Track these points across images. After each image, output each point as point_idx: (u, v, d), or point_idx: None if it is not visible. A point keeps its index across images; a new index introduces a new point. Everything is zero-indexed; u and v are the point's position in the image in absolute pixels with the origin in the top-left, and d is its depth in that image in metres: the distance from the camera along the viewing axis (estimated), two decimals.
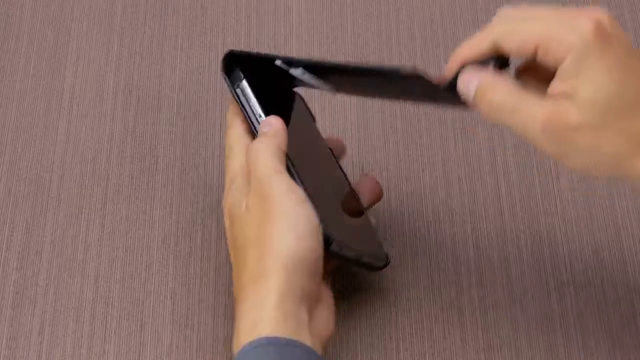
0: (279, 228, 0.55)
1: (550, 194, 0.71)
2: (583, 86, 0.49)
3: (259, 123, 0.61)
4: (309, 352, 0.54)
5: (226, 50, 0.63)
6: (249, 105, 0.61)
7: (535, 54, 0.51)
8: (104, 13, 0.80)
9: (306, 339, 0.54)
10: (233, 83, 0.62)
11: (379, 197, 0.65)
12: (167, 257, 0.68)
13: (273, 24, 0.79)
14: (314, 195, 0.58)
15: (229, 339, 0.65)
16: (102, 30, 0.79)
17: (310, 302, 0.56)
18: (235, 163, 0.60)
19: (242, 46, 0.78)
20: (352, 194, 0.65)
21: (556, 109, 0.50)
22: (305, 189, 0.58)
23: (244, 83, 0.62)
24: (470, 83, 0.52)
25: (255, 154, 0.58)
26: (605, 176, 0.53)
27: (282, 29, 0.78)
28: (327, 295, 0.59)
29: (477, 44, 0.52)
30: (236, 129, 0.61)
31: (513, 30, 0.52)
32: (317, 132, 0.66)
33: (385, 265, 0.63)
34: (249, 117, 0.61)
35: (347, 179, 0.65)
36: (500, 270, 0.67)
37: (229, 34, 0.78)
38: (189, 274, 0.68)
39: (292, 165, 0.59)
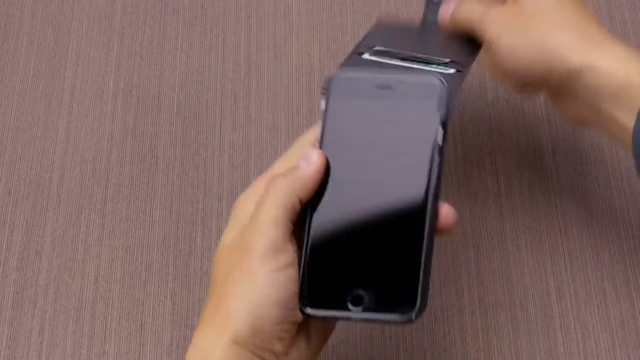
0: (240, 288, 0.50)
1: (550, 194, 0.71)
2: None
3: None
4: None
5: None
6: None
7: None
8: (104, 13, 0.80)
9: None
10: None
11: (451, 226, 0.53)
12: (167, 257, 0.68)
13: (273, 24, 0.79)
14: (336, 246, 0.52)
15: None
16: (102, 30, 0.79)
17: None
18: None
19: (242, 46, 0.78)
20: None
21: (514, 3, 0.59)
22: (311, 243, 0.52)
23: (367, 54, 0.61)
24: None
25: (266, 191, 0.52)
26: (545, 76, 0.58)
27: (282, 29, 0.78)
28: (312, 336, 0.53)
29: None
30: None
31: None
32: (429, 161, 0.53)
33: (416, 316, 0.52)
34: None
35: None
36: (500, 270, 0.67)
37: (229, 34, 0.78)
38: (189, 274, 0.68)
39: (309, 216, 0.52)
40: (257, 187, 0.54)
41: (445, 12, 0.63)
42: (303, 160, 0.52)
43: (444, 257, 0.68)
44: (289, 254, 0.51)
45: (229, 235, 0.53)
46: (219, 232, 0.69)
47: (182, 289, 0.67)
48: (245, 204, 0.53)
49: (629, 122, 0.55)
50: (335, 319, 0.53)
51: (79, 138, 0.74)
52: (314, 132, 0.55)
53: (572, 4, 0.59)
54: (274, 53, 0.77)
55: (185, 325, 0.66)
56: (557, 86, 0.58)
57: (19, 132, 0.74)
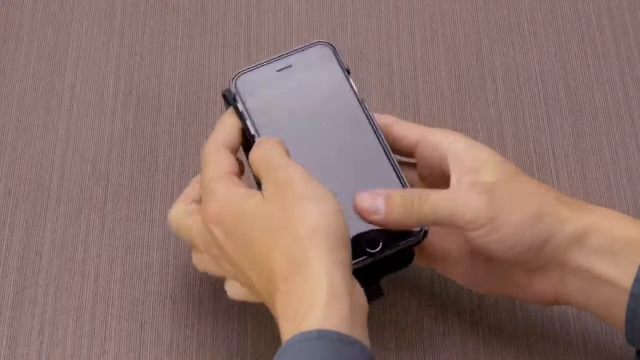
0: (307, 212, 0.52)
1: None
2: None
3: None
4: (362, 351, 0.50)
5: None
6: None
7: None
8: (104, 13, 0.80)
9: (358, 323, 0.51)
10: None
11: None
12: (167, 257, 0.68)
13: (273, 24, 0.79)
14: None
15: (229, 338, 0.65)
16: (102, 30, 0.79)
17: (353, 277, 0.53)
18: (209, 169, 0.58)
19: (242, 46, 0.78)
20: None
21: (468, 179, 0.58)
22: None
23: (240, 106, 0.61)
24: (374, 205, 0.57)
25: (262, 155, 0.56)
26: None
27: (282, 29, 0.78)
28: None
29: None
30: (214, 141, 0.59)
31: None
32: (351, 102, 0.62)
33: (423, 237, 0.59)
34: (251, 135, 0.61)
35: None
36: None
37: (229, 34, 0.78)
38: (189, 274, 0.68)
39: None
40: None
41: (373, 210, 0.57)
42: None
43: None
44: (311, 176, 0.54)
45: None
46: None
47: (182, 289, 0.67)
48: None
49: (628, 283, 0.54)
50: (365, 266, 0.57)
51: (79, 138, 0.74)
52: (221, 134, 0.59)
53: (528, 177, 0.59)
54: (274, 53, 0.77)
55: (185, 326, 0.66)
56: (547, 259, 0.56)
57: (19, 132, 0.74)
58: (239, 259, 0.55)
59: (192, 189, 0.62)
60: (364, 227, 0.57)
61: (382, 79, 0.76)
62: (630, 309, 0.55)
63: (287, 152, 0.56)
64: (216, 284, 0.67)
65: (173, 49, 0.78)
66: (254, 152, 0.57)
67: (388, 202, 0.56)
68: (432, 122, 0.74)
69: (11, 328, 0.66)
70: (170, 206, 0.62)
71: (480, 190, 0.56)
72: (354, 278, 0.53)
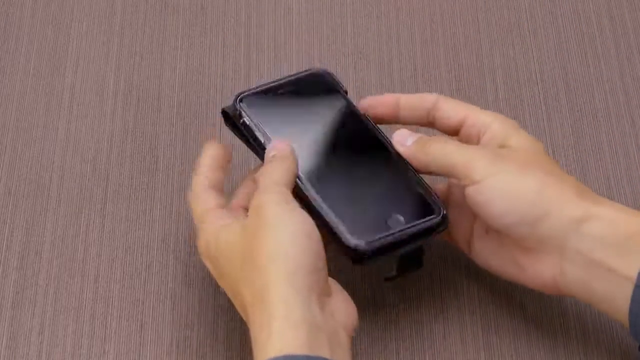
0: (269, 237, 0.54)
1: None
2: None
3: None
4: None
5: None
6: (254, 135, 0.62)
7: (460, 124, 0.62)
8: (104, 13, 0.80)
9: (323, 347, 0.51)
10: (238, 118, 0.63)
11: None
12: (167, 257, 0.68)
13: (273, 24, 0.79)
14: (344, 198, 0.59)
15: (229, 338, 0.65)
16: (102, 30, 0.79)
17: (322, 299, 0.54)
18: (196, 207, 0.61)
19: (242, 46, 0.78)
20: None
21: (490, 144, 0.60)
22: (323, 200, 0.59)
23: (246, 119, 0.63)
24: (405, 138, 0.62)
25: (260, 178, 0.58)
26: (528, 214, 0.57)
27: (282, 29, 0.78)
28: (335, 286, 0.57)
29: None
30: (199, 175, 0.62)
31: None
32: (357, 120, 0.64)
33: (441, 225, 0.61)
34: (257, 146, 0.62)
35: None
36: None
37: (229, 34, 0.78)
38: (189, 274, 0.68)
39: (307, 180, 0.60)
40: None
41: (403, 140, 0.62)
42: (272, 150, 0.60)
43: (444, 257, 0.68)
44: (293, 201, 0.56)
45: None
46: None
47: (182, 289, 0.67)
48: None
49: (632, 273, 0.54)
50: (391, 243, 0.59)
51: (79, 138, 0.74)
52: (202, 177, 0.61)
53: (555, 162, 0.61)
54: (274, 53, 0.77)
55: (185, 326, 0.65)
56: (544, 238, 0.56)
57: (19, 132, 0.74)
58: (224, 286, 0.59)
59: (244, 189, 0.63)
60: (386, 206, 0.60)
61: (382, 79, 0.76)
62: (635, 301, 0.54)
63: (293, 168, 0.59)
64: (216, 284, 0.67)
65: (173, 49, 0.78)
66: (259, 171, 0.59)
67: (418, 138, 0.61)
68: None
69: (11, 328, 0.66)
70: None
71: (492, 150, 0.58)
72: (337, 301, 0.55)
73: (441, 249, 0.68)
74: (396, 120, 0.64)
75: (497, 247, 0.61)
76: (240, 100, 0.63)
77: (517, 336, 0.65)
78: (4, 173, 0.72)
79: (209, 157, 0.62)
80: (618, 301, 0.55)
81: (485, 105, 0.74)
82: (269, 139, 0.61)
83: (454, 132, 0.63)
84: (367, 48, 0.77)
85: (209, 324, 0.66)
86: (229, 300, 0.66)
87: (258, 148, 0.62)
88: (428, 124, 0.64)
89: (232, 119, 0.64)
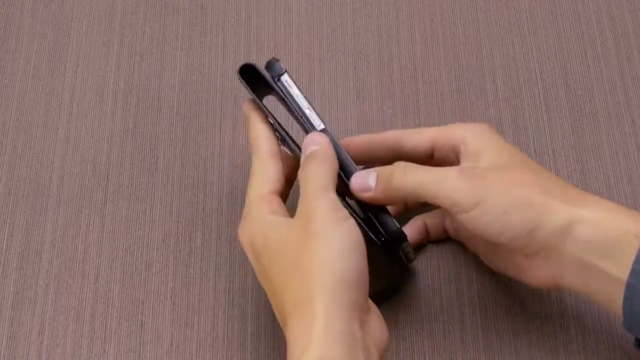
0: (317, 248, 0.53)
1: None
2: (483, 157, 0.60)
3: (307, 120, 0.61)
4: None
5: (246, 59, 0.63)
6: (293, 100, 0.61)
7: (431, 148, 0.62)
8: (104, 13, 0.80)
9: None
10: (273, 77, 0.62)
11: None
12: (167, 257, 0.68)
13: (273, 24, 0.79)
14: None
15: (228, 338, 0.65)
16: (102, 30, 0.79)
17: (362, 316, 0.53)
18: (250, 189, 0.59)
19: (242, 46, 0.78)
20: None
21: (467, 164, 0.59)
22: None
23: (286, 76, 0.62)
24: (365, 181, 0.60)
25: (306, 178, 0.57)
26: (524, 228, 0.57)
27: (282, 29, 0.78)
28: (372, 305, 0.56)
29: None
30: (261, 147, 0.60)
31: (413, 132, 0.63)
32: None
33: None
34: (296, 111, 0.61)
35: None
36: None
37: (229, 34, 0.78)
38: (189, 274, 0.68)
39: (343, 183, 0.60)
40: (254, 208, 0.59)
41: (364, 185, 0.60)
42: (313, 144, 0.58)
43: (444, 257, 0.68)
44: (343, 209, 0.55)
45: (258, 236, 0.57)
46: (219, 232, 0.69)
47: (182, 289, 0.67)
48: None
49: (623, 275, 0.54)
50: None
51: (79, 138, 0.74)
52: (265, 141, 0.60)
53: (532, 162, 0.60)
54: (274, 53, 0.77)
55: (185, 325, 0.66)
56: (540, 246, 0.57)
57: (19, 132, 0.74)
58: (263, 282, 0.57)
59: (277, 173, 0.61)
60: None
61: (382, 79, 0.76)
62: (626, 298, 0.54)
63: (336, 167, 0.58)
64: (216, 284, 0.67)
65: (173, 49, 0.78)
66: (304, 169, 0.57)
67: (379, 177, 0.59)
68: (432, 122, 0.74)
69: (11, 328, 0.66)
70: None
71: (470, 175, 0.57)
72: (373, 319, 0.55)
73: (442, 249, 0.68)
74: (370, 160, 0.64)
75: (499, 252, 0.61)
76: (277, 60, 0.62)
77: (517, 336, 0.65)
78: (4, 173, 0.72)
79: (265, 127, 0.61)
80: (614, 297, 0.55)
81: (485, 105, 0.74)
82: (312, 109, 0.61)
83: (427, 158, 0.62)
84: (367, 48, 0.77)
85: (209, 324, 0.66)
86: (228, 300, 0.66)
87: (299, 116, 0.61)
88: (400, 158, 0.62)
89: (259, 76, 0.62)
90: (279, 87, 0.62)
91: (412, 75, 0.76)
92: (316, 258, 0.53)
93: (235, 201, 0.70)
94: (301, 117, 0.61)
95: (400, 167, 0.59)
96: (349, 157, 0.61)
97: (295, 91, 0.62)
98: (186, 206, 0.70)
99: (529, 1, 0.80)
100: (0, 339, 0.65)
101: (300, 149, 0.59)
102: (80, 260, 0.68)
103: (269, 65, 0.62)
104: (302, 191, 0.56)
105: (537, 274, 0.58)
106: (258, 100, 0.61)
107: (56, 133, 0.74)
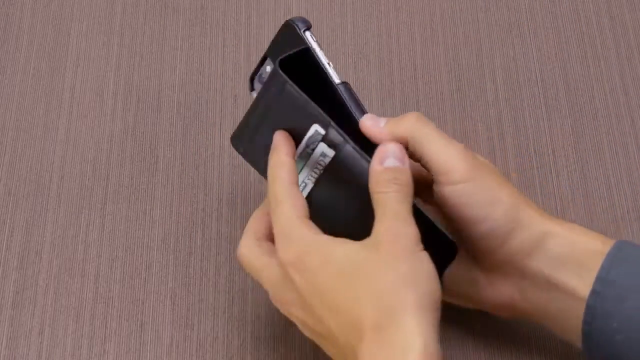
0: (409, 268, 0.51)
1: (550, 194, 0.71)
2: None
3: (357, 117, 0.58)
4: None
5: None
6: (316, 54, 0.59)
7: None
8: (104, 13, 0.80)
9: None
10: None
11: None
12: (167, 257, 0.68)
13: (273, 24, 0.79)
14: None
15: (228, 338, 0.65)
16: (102, 30, 0.79)
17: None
18: (283, 213, 0.54)
19: (242, 46, 0.78)
20: None
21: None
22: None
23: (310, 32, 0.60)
24: (377, 118, 0.58)
25: (391, 199, 0.53)
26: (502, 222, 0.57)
27: None
28: None
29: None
30: (282, 174, 0.56)
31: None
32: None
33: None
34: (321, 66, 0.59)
35: None
36: None
37: (229, 34, 0.78)
38: (189, 274, 0.68)
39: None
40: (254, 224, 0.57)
41: (374, 119, 0.58)
42: (393, 160, 0.54)
43: None
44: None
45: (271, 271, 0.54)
46: (219, 232, 0.69)
47: (182, 289, 0.67)
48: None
49: (584, 292, 0.54)
50: None
51: (79, 138, 0.74)
52: (285, 171, 0.56)
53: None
54: None
55: (185, 326, 0.66)
56: (509, 255, 0.56)
57: (19, 132, 0.74)
58: (317, 305, 0.52)
59: (258, 223, 0.58)
60: None
61: (382, 79, 0.76)
62: (586, 322, 0.54)
63: (412, 198, 0.54)
64: (216, 284, 0.67)
65: (173, 49, 0.78)
66: (382, 184, 0.54)
67: (390, 119, 0.58)
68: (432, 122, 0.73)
69: (11, 328, 0.66)
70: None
71: (471, 155, 0.57)
72: None
73: None
74: None
75: (458, 265, 0.59)
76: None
77: (518, 337, 0.64)
78: (4, 173, 0.72)
79: (289, 158, 0.56)
80: (572, 321, 0.55)
81: (485, 105, 0.74)
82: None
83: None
84: (367, 48, 0.77)
85: (209, 324, 0.66)
86: (228, 300, 0.66)
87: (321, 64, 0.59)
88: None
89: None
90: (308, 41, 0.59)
91: (412, 76, 0.76)
92: (408, 276, 0.50)
93: (235, 201, 0.70)
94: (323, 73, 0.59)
95: (414, 114, 0.58)
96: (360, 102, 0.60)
97: (316, 46, 0.60)
98: (186, 206, 0.70)
99: (529, 1, 0.80)
100: (0, 339, 0.65)
101: (359, 154, 0.56)
102: (80, 260, 0.68)
103: (295, 21, 0.60)
104: (382, 210, 0.53)
105: (495, 292, 0.58)
106: (310, 101, 0.56)
107: (56, 133, 0.74)
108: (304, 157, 0.57)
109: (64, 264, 0.68)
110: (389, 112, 0.74)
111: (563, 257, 0.55)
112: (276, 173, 0.56)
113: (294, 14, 0.79)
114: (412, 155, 0.57)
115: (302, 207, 0.54)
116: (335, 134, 0.56)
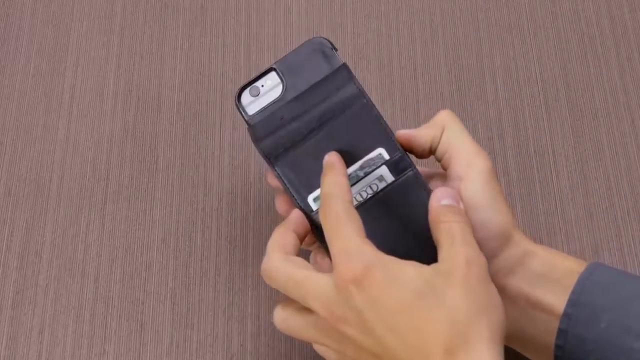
0: (485, 295, 0.50)
1: (550, 194, 0.71)
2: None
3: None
4: None
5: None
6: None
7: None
8: (104, 13, 0.80)
9: None
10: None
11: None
12: (167, 257, 0.68)
13: (273, 24, 0.79)
14: None
15: (228, 338, 0.65)
16: (102, 30, 0.79)
17: None
18: (345, 231, 0.53)
19: (242, 46, 0.78)
20: None
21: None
22: None
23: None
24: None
25: (461, 229, 0.53)
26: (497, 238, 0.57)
27: (282, 29, 0.78)
28: None
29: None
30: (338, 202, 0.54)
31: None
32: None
33: None
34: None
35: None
36: None
37: (229, 34, 0.78)
38: (189, 274, 0.68)
39: None
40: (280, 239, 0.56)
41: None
42: (450, 200, 0.55)
43: None
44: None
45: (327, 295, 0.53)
46: (219, 232, 0.69)
47: (182, 289, 0.67)
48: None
49: (560, 309, 0.54)
50: None
51: (79, 138, 0.74)
52: (345, 191, 0.55)
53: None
54: (273, 53, 0.77)
55: (185, 325, 0.66)
56: (496, 270, 0.57)
57: (19, 132, 0.74)
58: (379, 324, 0.51)
59: (284, 238, 0.57)
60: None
61: (382, 79, 0.76)
62: (557, 347, 0.54)
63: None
64: (216, 284, 0.67)
65: (173, 49, 0.78)
66: (448, 214, 0.54)
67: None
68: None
69: (11, 328, 0.66)
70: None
71: (490, 164, 0.58)
72: None
73: None
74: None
75: None
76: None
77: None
78: (4, 173, 0.72)
79: (344, 179, 0.56)
80: (547, 343, 0.55)
81: (485, 105, 0.74)
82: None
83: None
84: (367, 48, 0.77)
85: (209, 324, 0.66)
86: (228, 301, 0.66)
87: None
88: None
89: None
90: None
91: (412, 76, 0.76)
92: (483, 303, 0.50)
93: (235, 201, 0.70)
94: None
95: (446, 110, 0.60)
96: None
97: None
98: (186, 206, 0.70)
99: (529, 1, 0.80)
100: (0, 339, 0.65)
101: (421, 183, 0.57)
102: (80, 260, 0.68)
103: (325, 39, 0.60)
104: (454, 238, 0.52)
105: None
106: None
107: (56, 133, 0.74)
108: (353, 178, 0.57)
109: (64, 264, 0.68)
110: (389, 112, 0.74)
111: (543, 275, 0.56)
112: (335, 192, 0.55)
113: (294, 14, 0.79)
114: (441, 148, 0.59)
115: (362, 228, 0.53)
116: (405, 160, 0.56)
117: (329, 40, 0.59)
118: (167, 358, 0.64)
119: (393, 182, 0.57)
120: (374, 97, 0.75)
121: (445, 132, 0.59)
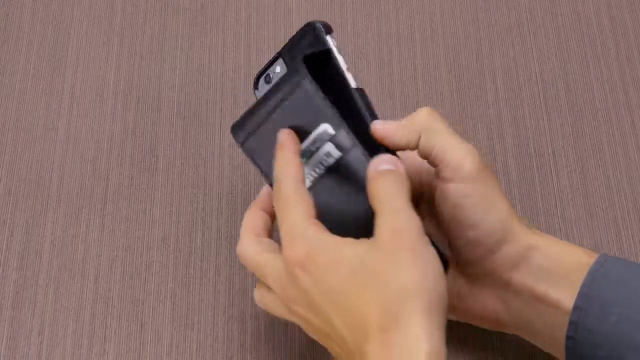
0: (414, 266, 0.50)
1: (550, 194, 0.71)
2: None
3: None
4: None
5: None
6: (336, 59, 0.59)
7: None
8: (104, 13, 0.80)
9: None
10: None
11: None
12: (167, 257, 0.68)
13: (273, 24, 0.79)
14: None
15: (228, 338, 0.65)
16: (102, 30, 0.79)
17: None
18: (292, 213, 0.54)
19: (242, 46, 0.78)
20: None
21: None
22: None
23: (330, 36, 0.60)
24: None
25: (389, 192, 0.52)
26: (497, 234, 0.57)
27: (282, 29, 0.78)
28: None
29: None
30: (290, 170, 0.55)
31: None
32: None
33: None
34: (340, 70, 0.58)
35: None
36: None
37: (229, 34, 0.78)
38: (189, 274, 0.68)
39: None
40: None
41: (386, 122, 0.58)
42: (386, 163, 0.54)
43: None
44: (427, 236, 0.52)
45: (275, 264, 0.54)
46: (219, 232, 0.69)
47: (182, 289, 0.67)
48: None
49: (568, 305, 0.54)
50: None
51: (79, 138, 0.74)
52: (294, 171, 0.55)
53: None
54: (274, 53, 0.77)
55: (185, 325, 0.66)
56: (498, 263, 0.56)
57: (19, 132, 0.74)
58: (324, 305, 0.52)
59: (255, 219, 0.59)
60: None
61: (382, 79, 0.76)
62: (569, 337, 0.54)
63: (409, 188, 0.54)
64: (216, 284, 0.67)
65: (173, 49, 0.78)
66: (379, 181, 0.53)
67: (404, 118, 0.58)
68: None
69: (11, 328, 0.66)
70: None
71: (480, 157, 0.57)
72: None
73: None
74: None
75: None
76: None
77: (518, 337, 0.65)
78: (4, 173, 0.72)
79: (297, 158, 0.56)
80: (556, 334, 0.55)
81: (485, 105, 0.74)
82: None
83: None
84: (367, 48, 0.77)
85: (209, 324, 0.66)
86: (228, 301, 0.66)
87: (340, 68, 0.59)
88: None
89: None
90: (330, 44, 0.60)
91: (412, 76, 0.76)
92: (412, 275, 0.49)
93: (235, 201, 0.70)
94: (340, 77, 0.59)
95: (426, 108, 0.58)
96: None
97: (336, 50, 0.60)
98: (186, 206, 0.70)
99: (529, 1, 0.80)
100: (0, 339, 0.65)
101: (367, 159, 0.56)
102: (80, 260, 0.68)
103: (318, 23, 0.60)
104: (382, 206, 0.52)
105: (477, 304, 0.58)
106: (327, 100, 0.57)
107: (56, 133, 0.74)
108: (306, 154, 0.57)
109: (64, 264, 0.68)
110: (389, 112, 0.74)
111: (548, 270, 0.56)
112: (284, 171, 0.55)
113: (294, 14, 0.79)
114: (423, 150, 0.57)
115: (310, 207, 0.54)
116: (346, 137, 0.56)
117: (322, 23, 0.60)
118: (167, 358, 0.64)
119: (339, 158, 0.56)
120: (374, 97, 0.75)
121: (425, 135, 0.57)
